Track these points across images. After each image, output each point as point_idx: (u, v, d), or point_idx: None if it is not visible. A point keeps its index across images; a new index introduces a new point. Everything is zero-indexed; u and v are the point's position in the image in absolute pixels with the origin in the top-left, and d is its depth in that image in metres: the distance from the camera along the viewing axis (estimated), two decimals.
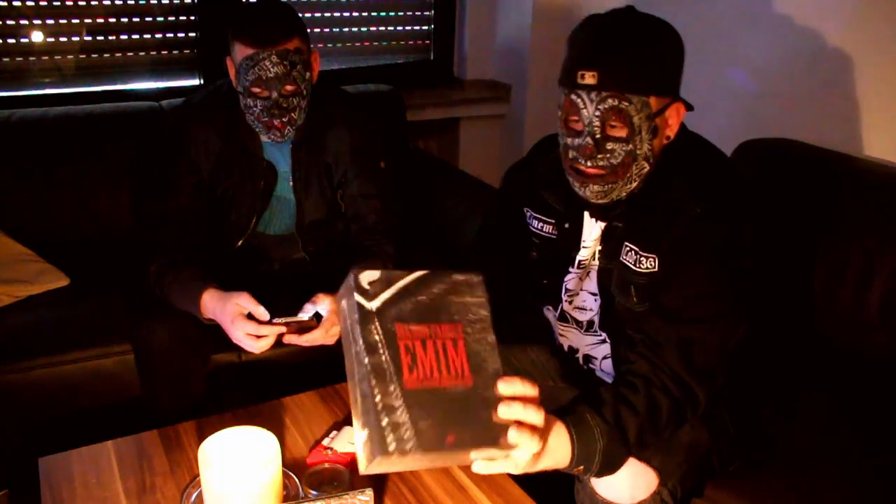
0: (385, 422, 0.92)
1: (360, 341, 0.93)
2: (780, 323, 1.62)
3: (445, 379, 0.96)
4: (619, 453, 1.14)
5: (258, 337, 1.46)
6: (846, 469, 1.39)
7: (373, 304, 0.95)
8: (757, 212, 1.23)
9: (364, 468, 0.91)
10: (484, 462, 0.98)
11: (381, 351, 0.94)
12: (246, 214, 1.74)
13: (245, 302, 1.47)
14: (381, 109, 2.44)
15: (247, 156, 1.70)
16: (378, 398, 0.92)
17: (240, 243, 1.76)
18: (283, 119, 1.59)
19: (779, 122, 2.00)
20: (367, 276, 0.96)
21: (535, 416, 0.96)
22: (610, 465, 1.14)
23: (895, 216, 1.57)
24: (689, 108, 1.25)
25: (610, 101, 1.16)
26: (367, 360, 0.93)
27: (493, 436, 0.96)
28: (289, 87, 1.57)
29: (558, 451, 1.07)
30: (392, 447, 0.91)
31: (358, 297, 0.94)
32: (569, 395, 1.23)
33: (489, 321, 0.99)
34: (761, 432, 1.43)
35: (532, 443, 0.96)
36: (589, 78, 1.16)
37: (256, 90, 1.56)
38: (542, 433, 0.99)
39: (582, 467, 1.11)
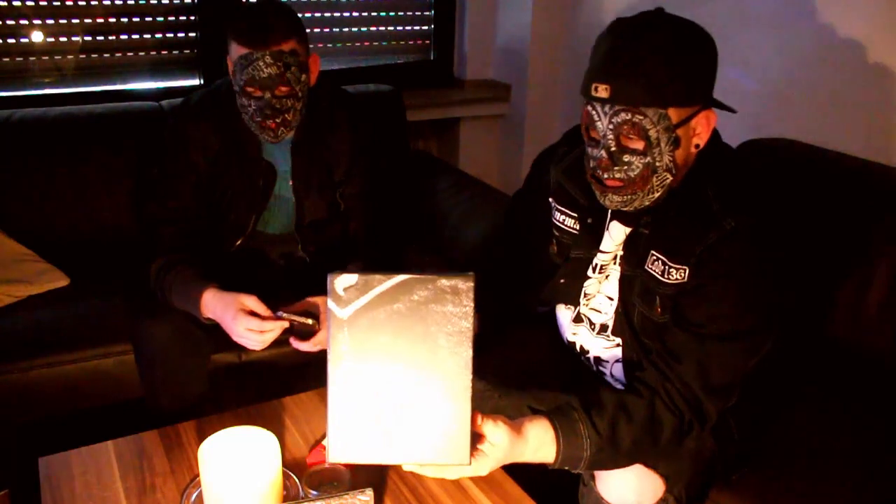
0: (340, 430, 0.96)
1: (329, 349, 0.94)
2: (781, 323, 1.62)
3: (409, 392, 0.97)
4: (610, 460, 1.14)
5: (260, 332, 1.47)
6: (848, 471, 1.38)
7: (344, 312, 0.94)
8: (794, 227, 1.20)
9: (328, 460, 0.99)
10: (437, 472, 1.05)
11: (347, 361, 0.95)
12: (245, 214, 1.74)
13: (249, 301, 1.48)
14: (381, 109, 2.44)
15: (246, 155, 1.70)
16: (334, 406, 0.96)
17: (239, 242, 1.76)
18: (277, 120, 1.58)
19: (779, 122, 2.00)
20: (343, 281, 0.94)
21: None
22: (598, 468, 1.15)
23: (895, 216, 1.57)
24: (730, 110, 1.20)
25: (623, 114, 1.12)
26: (329, 369, 0.95)
27: (444, 450, 0.98)
28: (283, 89, 1.56)
29: (541, 449, 1.09)
30: (342, 454, 0.97)
31: (331, 304, 0.94)
32: (568, 397, 1.23)
33: (469, 334, 0.95)
34: (765, 438, 1.43)
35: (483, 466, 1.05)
36: (602, 91, 1.12)
37: (250, 90, 1.56)
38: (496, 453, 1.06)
39: (567, 467, 1.12)
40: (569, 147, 1.39)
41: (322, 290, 1.56)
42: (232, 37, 1.57)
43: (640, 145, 1.14)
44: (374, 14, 2.76)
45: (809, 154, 1.76)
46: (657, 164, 1.15)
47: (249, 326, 1.45)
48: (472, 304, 0.95)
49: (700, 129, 1.17)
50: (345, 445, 0.97)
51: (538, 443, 1.09)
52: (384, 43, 2.82)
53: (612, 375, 1.39)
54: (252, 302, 1.48)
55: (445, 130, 2.91)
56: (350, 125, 1.76)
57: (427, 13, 2.85)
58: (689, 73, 1.13)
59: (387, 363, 0.97)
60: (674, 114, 1.13)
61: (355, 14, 2.73)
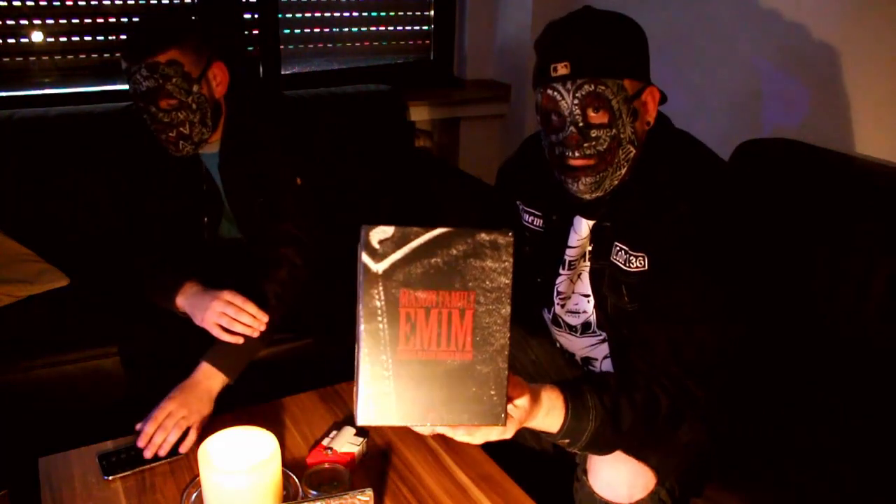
0: (370, 390, 0.92)
1: (360, 305, 0.90)
2: (781, 323, 1.62)
3: (444, 351, 0.93)
4: (609, 439, 1.14)
5: (231, 331, 1.47)
6: (846, 469, 1.39)
7: (379, 266, 0.90)
8: (745, 208, 1.23)
9: (357, 423, 0.93)
10: (467, 435, 1.01)
11: (380, 318, 0.91)
12: (197, 217, 1.72)
13: (236, 299, 1.48)
14: (381, 109, 2.44)
15: (187, 162, 1.67)
16: (367, 366, 0.92)
17: (200, 245, 1.74)
18: (171, 133, 1.55)
19: (779, 123, 2.00)
20: (378, 234, 0.89)
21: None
22: (596, 447, 1.15)
23: (895, 216, 1.57)
24: (664, 98, 1.25)
25: (586, 87, 1.16)
26: (362, 326, 0.91)
27: (479, 411, 0.94)
28: (169, 102, 1.52)
29: (550, 414, 1.09)
30: (372, 416, 0.92)
31: (365, 258, 0.89)
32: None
33: (508, 290, 0.92)
34: (762, 432, 1.43)
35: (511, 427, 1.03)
36: (562, 69, 1.17)
37: (141, 104, 1.54)
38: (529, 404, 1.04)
39: (568, 440, 1.12)
40: (527, 151, 1.44)
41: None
42: (119, 51, 1.55)
43: (604, 118, 1.18)
44: (374, 14, 2.76)
45: (809, 154, 1.76)
46: (622, 135, 1.19)
47: (231, 300, 1.45)
48: (511, 260, 0.92)
49: (649, 106, 1.23)
50: (375, 408, 0.93)
51: (549, 406, 1.08)
52: (384, 43, 2.82)
53: (602, 371, 1.40)
54: (239, 301, 1.48)
55: (445, 130, 2.91)
56: (267, 141, 1.69)
57: (427, 13, 2.85)
58: (634, 47, 1.21)
59: (422, 320, 0.92)
60: (629, 85, 1.19)
61: (355, 14, 2.73)
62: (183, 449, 1.34)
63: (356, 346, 0.92)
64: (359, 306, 0.91)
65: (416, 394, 0.93)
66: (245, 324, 1.47)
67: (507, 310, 0.93)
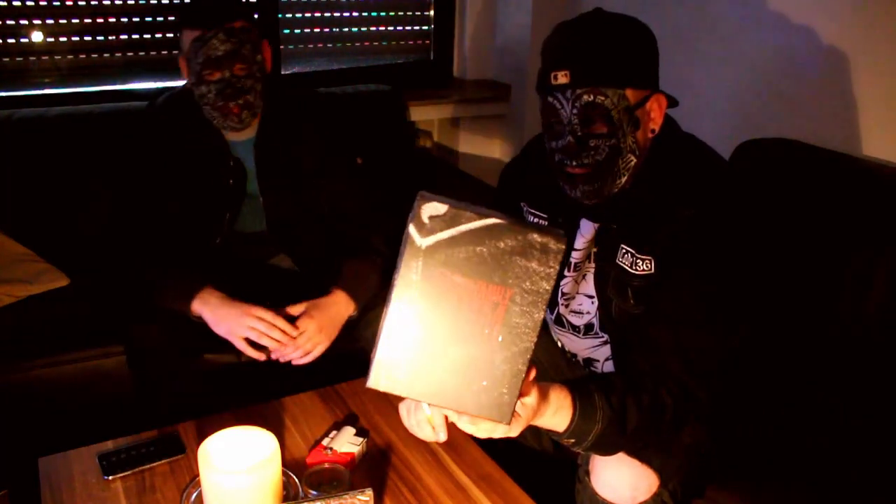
0: (387, 357, 0.92)
1: (398, 274, 0.90)
2: (781, 323, 1.62)
3: (468, 339, 0.93)
4: (615, 440, 1.15)
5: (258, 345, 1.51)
6: (848, 472, 1.39)
7: (424, 241, 0.89)
8: (751, 212, 1.23)
9: (367, 384, 0.94)
10: (470, 425, 1.00)
11: (412, 291, 0.91)
12: (219, 213, 1.73)
13: (267, 315, 1.52)
14: (381, 109, 2.44)
15: (214, 154, 1.69)
16: (389, 334, 0.92)
17: (217, 241, 1.75)
18: (239, 101, 1.58)
19: (779, 122, 2.00)
20: (431, 209, 0.89)
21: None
22: (601, 447, 1.15)
23: (895, 216, 1.57)
24: (674, 102, 1.24)
25: (585, 97, 1.16)
26: (394, 294, 0.91)
27: (487, 404, 0.94)
28: (241, 66, 1.56)
29: (558, 413, 1.09)
30: (382, 381, 0.93)
31: (412, 229, 0.89)
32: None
33: (546, 296, 0.91)
34: (762, 432, 1.43)
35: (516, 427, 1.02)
36: (562, 78, 1.16)
37: (207, 73, 1.55)
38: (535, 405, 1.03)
39: (573, 440, 1.12)
40: (531, 153, 1.44)
41: (300, 297, 1.58)
42: (184, 24, 1.58)
43: (603, 129, 1.17)
44: (374, 14, 2.76)
45: (809, 154, 1.76)
46: (621, 145, 1.19)
47: (262, 317, 1.50)
48: (556, 267, 0.90)
49: (654, 114, 1.22)
50: (388, 374, 0.93)
51: (557, 405, 1.08)
52: (384, 43, 2.82)
53: (603, 373, 1.40)
54: (268, 316, 1.52)
55: (445, 130, 2.91)
56: (319, 125, 1.75)
57: (427, 13, 2.85)
58: (638, 55, 1.19)
59: (453, 304, 0.91)
60: (631, 95, 1.17)
61: (355, 14, 2.73)
62: (298, 361, 1.53)
63: (384, 311, 0.92)
64: (396, 275, 0.90)
65: (430, 372, 0.93)
66: (275, 339, 1.51)
67: (539, 315, 0.92)
